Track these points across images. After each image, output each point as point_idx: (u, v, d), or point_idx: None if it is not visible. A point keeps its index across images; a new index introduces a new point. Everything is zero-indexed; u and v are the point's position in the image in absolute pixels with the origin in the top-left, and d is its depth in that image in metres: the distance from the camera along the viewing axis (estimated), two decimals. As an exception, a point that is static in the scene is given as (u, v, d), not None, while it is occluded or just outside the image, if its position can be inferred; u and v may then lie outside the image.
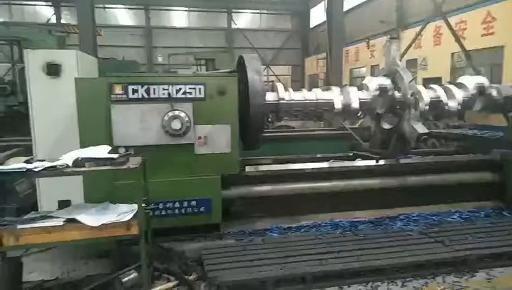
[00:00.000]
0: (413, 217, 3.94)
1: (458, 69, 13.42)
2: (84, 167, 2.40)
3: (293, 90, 4.05)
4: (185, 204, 3.33)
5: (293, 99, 3.93)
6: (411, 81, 4.00)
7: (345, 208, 4.02)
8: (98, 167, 2.42)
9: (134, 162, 2.55)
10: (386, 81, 4.10)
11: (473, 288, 2.77)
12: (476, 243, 3.24)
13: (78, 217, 2.42)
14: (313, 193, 3.91)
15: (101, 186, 2.96)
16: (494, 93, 4.33)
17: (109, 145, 2.85)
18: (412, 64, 14.77)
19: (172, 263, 3.03)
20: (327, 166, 4.09)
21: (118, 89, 3.19)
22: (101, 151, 2.61)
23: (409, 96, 3.97)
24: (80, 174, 2.63)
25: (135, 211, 2.51)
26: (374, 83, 4.13)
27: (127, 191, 2.62)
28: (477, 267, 3.03)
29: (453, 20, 11.67)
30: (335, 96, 3.98)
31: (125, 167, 2.44)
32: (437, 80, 10.18)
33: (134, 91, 3.20)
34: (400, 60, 4.36)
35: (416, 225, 3.73)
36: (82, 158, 2.44)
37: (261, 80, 3.53)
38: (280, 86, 4.05)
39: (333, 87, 4.11)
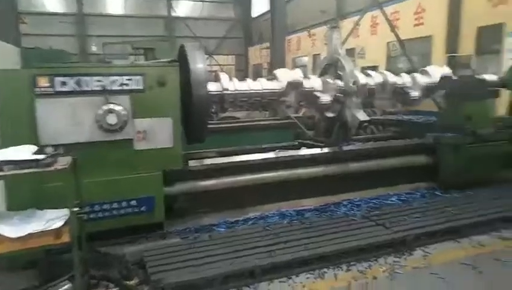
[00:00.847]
0: (356, 202, 4.07)
1: (393, 58, 14.19)
2: (3, 171, 2.13)
3: (238, 80, 3.96)
4: (124, 204, 3.11)
5: (238, 90, 3.84)
6: (352, 69, 4.10)
7: (292, 197, 4.04)
8: (20, 170, 2.16)
9: (63, 162, 2.32)
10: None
11: (411, 266, 2.92)
12: (412, 223, 3.42)
13: (-3, 228, 2.16)
14: (259, 184, 3.88)
15: (26, 191, 2.66)
16: (427, 80, 4.58)
17: (35, 144, 2.57)
18: (350, 53, 15.33)
19: (112, 268, 2.83)
20: (273, 156, 4.07)
21: (43, 82, 2.86)
22: (24, 152, 2.33)
23: (350, 84, 4.07)
24: (-1, 179, 2.34)
25: (66, 217, 2.29)
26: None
27: (57, 194, 2.38)
28: (414, 246, 3.19)
29: (388, 10, 12.26)
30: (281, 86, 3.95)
31: (52, 168, 2.21)
32: (374, 69, 10.62)
33: (63, 83, 2.90)
34: (341, 49, 4.44)
35: (359, 209, 3.85)
36: (1, 161, 2.16)
37: (204, 70, 3.39)
38: (224, 76, 3.94)
39: (278, 76, 4.07)
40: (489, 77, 4.87)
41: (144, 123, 3.14)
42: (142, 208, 3.18)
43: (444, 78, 4.54)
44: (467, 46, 11.31)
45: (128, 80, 3.06)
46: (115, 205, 3.09)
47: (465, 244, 3.24)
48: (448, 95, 4.75)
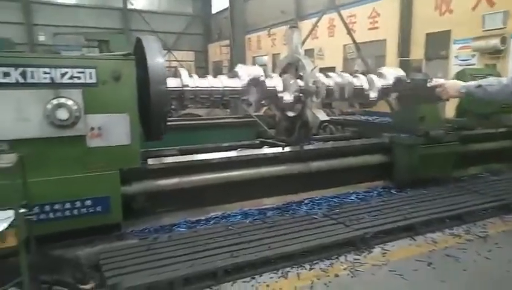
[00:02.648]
0: (317, 200, 4.13)
1: (350, 60, 14.64)
2: None
3: (198, 77, 3.86)
4: (78, 204, 2.91)
5: (198, 86, 3.74)
6: (313, 70, 4.13)
7: (254, 196, 4.02)
8: (-45, 168, 1.94)
9: (7, 159, 2.11)
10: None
11: (370, 264, 2.99)
12: (371, 221, 3.52)
13: None
14: (221, 183, 3.80)
15: (-36, 192, 2.40)
16: (383, 82, 4.73)
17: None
18: (309, 53, 15.61)
19: (65, 272, 2.64)
20: (234, 155, 4.02)
21: (-17, 72, 2.61)
22: (-39, 148, 2.10)
23: (310, 84, 4.10)
24: None
25: (11, 218, 2.09)
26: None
27: (1, 194, 2.16)
28: (373, 243, 3.29)
29: (344, 13, 12.63)
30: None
31: (-6, 166, 2.00)
32: (331, 70, 10.89)
33: (6, 74, 2.65)
34: (301, 49, 4.46)
35: (320, 208, 3.91)
36: None
37: (162, 64, 3.25)
38: (184, 72, 3.82)
39: (240, 73, 4.01)
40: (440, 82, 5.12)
41: (98, 119, 2.95)
42: (98, 208, 2.99)
43: (398, 81, 4.71)
44: (418, 51, 11.93)
45: (80, 72, 2.86)
46: (68, 205, 2.88)
47: (420, 241, 3.39)
48: (402, 97, 4.94)
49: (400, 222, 3.53)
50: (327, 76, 4.41)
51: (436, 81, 3.29)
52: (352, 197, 4.26)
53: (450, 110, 5.92)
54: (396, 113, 5.33)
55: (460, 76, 5.28)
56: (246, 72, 3.97)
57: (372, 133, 5.09)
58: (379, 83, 4.62)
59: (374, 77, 4.68)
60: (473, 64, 10.06)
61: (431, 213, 3.73)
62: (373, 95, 4.52)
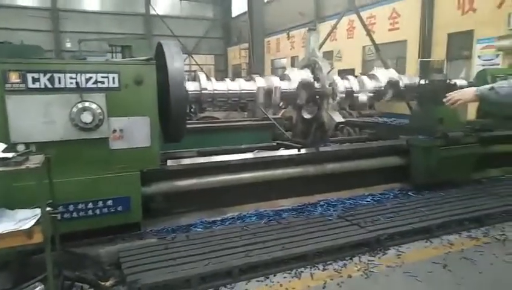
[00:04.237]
0: (332, 202, 4.14)
1: (369, 61, 14.49)
2: (-30, 169, 2.05)
3: (216, 80, 3.96)
4: (100, 204, 3.05)
5: (216, 90, 3.84)
6: (329, 72, 4.17)
7: (270, 197, 4.07)
8: (-14, 168, 2.08)
9: (35, 160, 2.25)
10: (308, 75, 4.19)
11: (384, 265, 3.00)
12: (386, 223, 3.52)
13: (-35, 229, 2.07)
14: (237, 185, 3.88)
15: (-5, 190, 2.57)
16: (400, 84, 4.71)
17: (6, 142, 2.48)
18: (328, 56, 15.54)
19: (87, 269, 2.77)
20: (251, 157, 4.09)
21: (14, 77, 2.77)
22: (-7, 149, 2.25)
23: (327, 86, 4.13)
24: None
25: (38, 216, 2.22)
26: (295, 74, 4.20)
27: (29, 193, 2.30)
28: (388, 245, 3.29)
29: (364, 14, 12.51)
30: (258, 87, 3.98)
31: (23, 167, 2.14)
32: (350, 71, 10.82)
33: (35, 80, 2.81)
34: (319, 52, 4.50)
35: (335, 209, 3.92)
36: (-34, 159, 2.08)
37: (181, 69, 3.36)
38: (202, 76, 3.93)
39: (257, 78, 4.09)
40: (460, 82, 5.05)
41: (120, 122, 3.08)
42: (119, 208, 3.12)
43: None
44: (439, 51, 11.69)
45: (104, 77, 3.00)
46: (90, 205, 3.02)
47: (436, 244, 3.36)
48: (420, 98, 4.90)
49: (416, 224, 3.51)
50: (345, 78, 4.42)
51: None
52: (367, 199, 4.25)
53: (472, 111, 5.82)
54: (414, 115, 5.30)
55: (481, 76, 5.19)
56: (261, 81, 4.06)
57: (390, 135, 5.06)
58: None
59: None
60: (497, 64, 9.79)
61: (448, 215, 3.70)
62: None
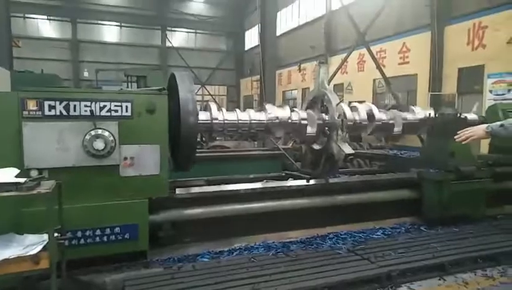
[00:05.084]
0: (342, 235, 4.06)
1: (380, 94, 14.60)
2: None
3: (227, 111, 4.02)
4: (108, 231, 3.05)
5: (226, 120, 3.90)
6: (338, 104, 4.20)
7: (278, 229, 4.01)
8: (-1, 193, 2.11)
9: (46, 186, 2.29)
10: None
11: (396, 303, 2.89)
12: (398, 258, 3.41)
13: (-27, 253, 2.09)
14: (246, 215, 3.85)
15: (5, 214, 2.60)
16: (410, 116, 4.72)
17: (20, 167, 2.53)
18: (339, 88, 15.74)
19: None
20: (260, 186, 4.08)
21: (31, 105, 2.87)
22: (6, 174, 2.30)
23: (336, 118, 4.15)
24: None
25: (45, 242, 2.23)
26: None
27: (38, 219, 2.33)
28: (400, 282, 3.17)
29: (374, 49, 12.74)
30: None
31: (34, 192, 2.17)
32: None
33: (51, 107, 2.91)
34: (328, 84, 4.56)
35: (345, 243, 3.83)
36: (-20, 183, 2.13)
37: (193, 99, 3.44)
38: (213, 106, 4.00)
39: (268, 107, 4.14)
40: (471, 116, 5.03)
41: (131, 149, 3.13)
42: (126, 236, 3.11)
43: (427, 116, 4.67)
44: (450, 85, 11.75)
45: (117, 106, 3.08)
46: (98, 232, 3.02)
47: (450, 282, 3.24)
48: (431, 131, 4.87)
49: (428, 260, 3.40)
50: (354, 109, 4.45)
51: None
52: (378, 233, 4.15)
53: (484, 146, 5.75)
54: (425, 148, 5.26)
55: (492, 111, 5.16)
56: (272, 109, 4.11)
57: (400, 168, 5.01)
58: (407, 117, 4.61)
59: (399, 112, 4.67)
60: (510, 99, 9.77)
61: (462, 252, 3.58)
62: (397, 129, 4.49)
